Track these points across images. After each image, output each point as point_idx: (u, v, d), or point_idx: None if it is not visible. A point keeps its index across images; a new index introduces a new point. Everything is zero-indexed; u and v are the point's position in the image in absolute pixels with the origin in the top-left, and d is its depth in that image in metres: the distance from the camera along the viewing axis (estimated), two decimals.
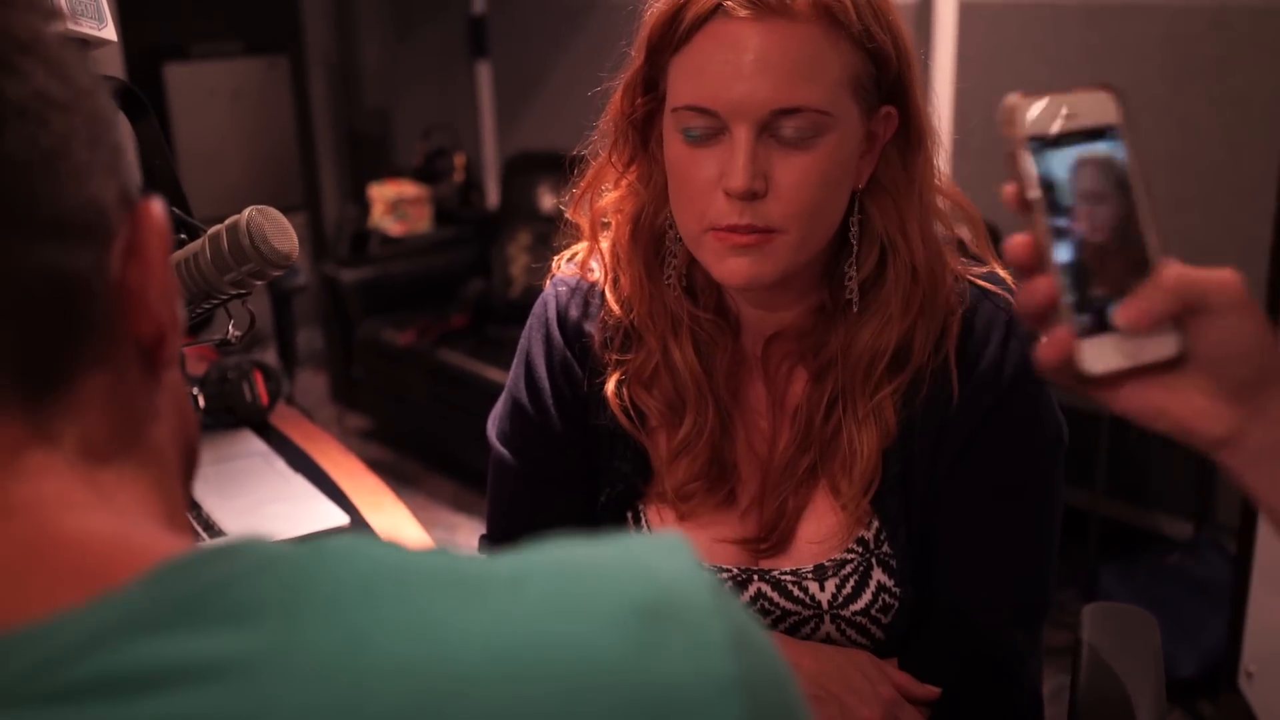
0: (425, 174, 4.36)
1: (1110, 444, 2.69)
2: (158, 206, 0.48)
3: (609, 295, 1.12)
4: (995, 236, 3.32)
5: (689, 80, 0.98)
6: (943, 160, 3.29)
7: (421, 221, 4.20)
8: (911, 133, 1.03)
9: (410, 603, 0.40)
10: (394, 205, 4.15)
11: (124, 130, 0.50)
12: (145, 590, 0.39)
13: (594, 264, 1.15)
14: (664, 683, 0.41)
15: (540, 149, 3.99)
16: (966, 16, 3.11)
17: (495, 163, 4.49)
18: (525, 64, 4.26)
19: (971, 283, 1.08)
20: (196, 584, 0.39)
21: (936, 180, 1.06)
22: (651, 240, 1.10)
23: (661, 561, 0.46)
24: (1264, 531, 2.06)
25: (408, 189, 4.22)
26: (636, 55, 1.03)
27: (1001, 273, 1.10)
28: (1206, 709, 2.49)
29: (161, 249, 0.47)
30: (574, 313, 1.14)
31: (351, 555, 0.42)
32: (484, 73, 4.46)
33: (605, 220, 1.13)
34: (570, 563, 0.44)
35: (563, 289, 1.16)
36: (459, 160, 4.36)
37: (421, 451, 3.88)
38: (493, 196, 4.44)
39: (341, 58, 4.93)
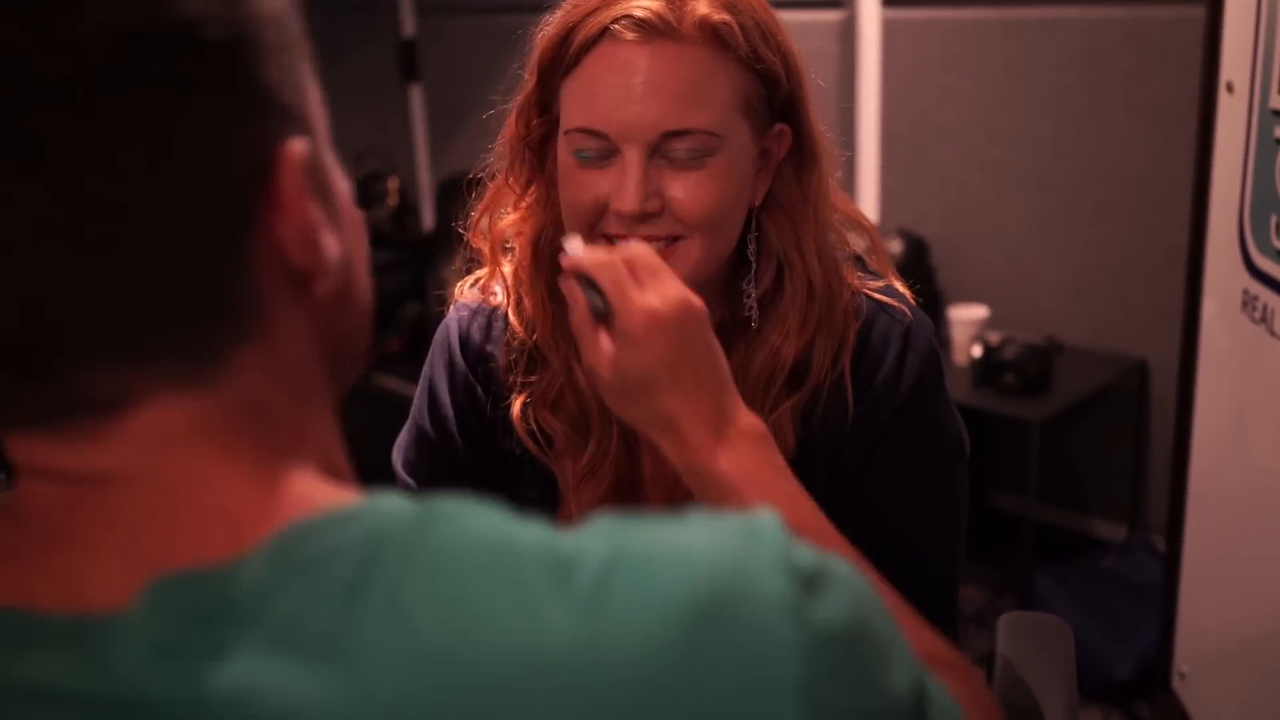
0: (359, 198, 4.29)
1: (1041, 449, 2.71)
2: (295, 147, 0.49)
3: (512, 318, 1.11)
4: (924, 250, 3.37)
5: (579, 103, 0.98)
6: (869, 174, 3.30)
7: None
8: (805, 150, 1.04)
9: (510, 582, 0.45)
10: None
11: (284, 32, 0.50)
12: (273, 550, 0.45)
13: (496, 287, 1.14)
14: (711, 689, 0.44)
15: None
16: (890, 32, 3.14)
17: (430, 186, 4.47)
18: (457, 86, 4.25)
19: (868, 297, 1.08)
20: (316, 549, 0.45)
21: (832, 197, 1.06)
22: (552, 261, 1.09)
23: (734, 554, 0.48)
24: (1192, 531, 2.08)
25: None
26: (529, 78, 1.03)
27: (899, 287, 1.10)
28: (1144, 711, 2.51)
29: (296, 191, 0.49)
30: (476, 337, 1.13)
31: (459, 525, 0.47)
32: (416, 96, 4.44)
33: (508, 244, 1.12)
34: (640, 556, 0.47)
35: (465, 313, 1.15)
36: (393, 184, 4.33)
37: (359, 477, 3.83)
38: (428, 220, 4.42)
39: None
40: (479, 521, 0.47)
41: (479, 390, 1.13)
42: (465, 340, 1.14)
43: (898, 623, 0.59)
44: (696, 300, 0.86)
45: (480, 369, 1.13)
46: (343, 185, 0.55)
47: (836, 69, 3.18)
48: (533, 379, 1.10)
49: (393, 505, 0.48)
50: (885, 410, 1.04)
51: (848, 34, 3.17)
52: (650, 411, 0.86)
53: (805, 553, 0.51)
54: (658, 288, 0.85)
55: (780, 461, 0.88)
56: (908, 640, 0.55)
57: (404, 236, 4.27)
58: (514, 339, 1.11)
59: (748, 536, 0.50)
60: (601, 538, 0.48)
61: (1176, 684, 2.15)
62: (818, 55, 3.41)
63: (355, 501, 0.48)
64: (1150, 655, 2.40)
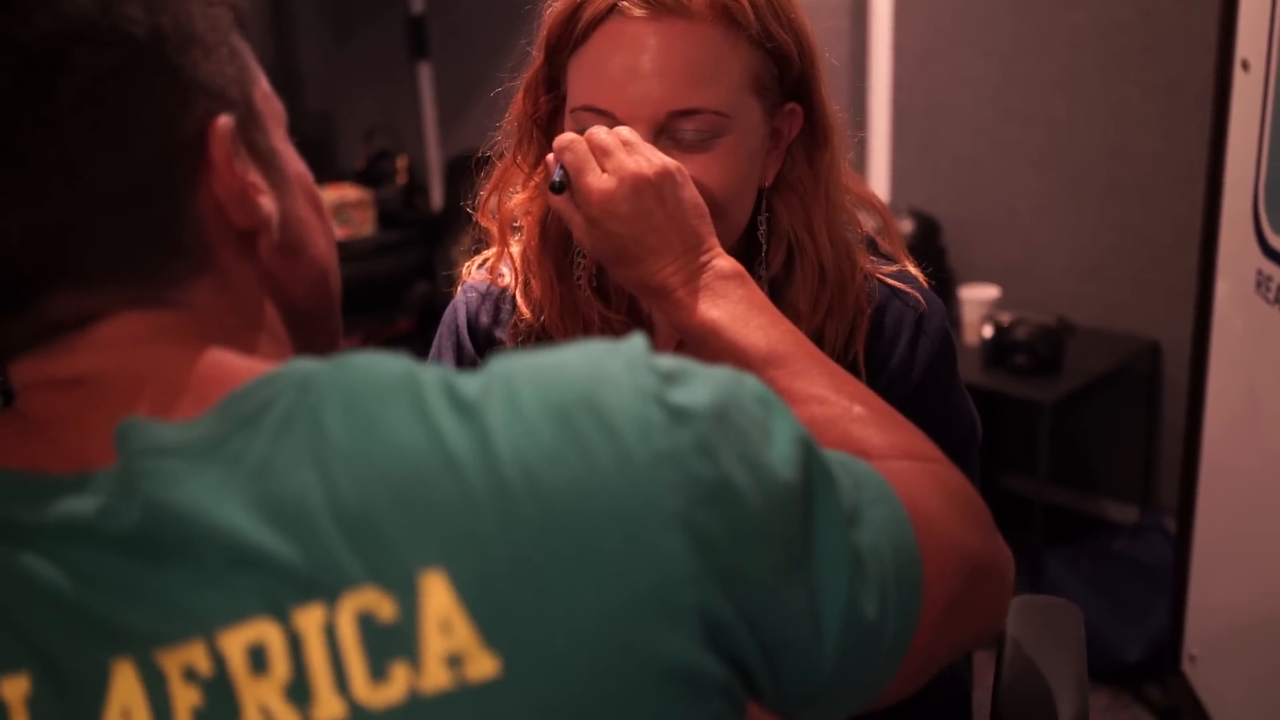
0: (368, 177, 4.32)
1: (1052, 430, 2.70)
2: (221, 121, 0.57)
3: (520, 300, 1.10)
4: (935, 229, 3.35)
5: (586, 81, 0.97)
6: (880, 152, 3.27)
7: (365, 225, 4.16)
8: (817, 131, 1.02)
9: (412, 402, 0.53)
10: (337, 209, 4.11)
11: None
12: (220, 409, 0.54)
13: (504, 269, 1.13)
14: (585, 469, 0.52)
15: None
16: (901, 9, 3.12)
17: (439, 164, 4.46)
18: (467, 64, 4.24)
19: (881, 281, 1.07)
20: (253, 403, 0.53)
21: (844, 178, 1.05)
22: (560, 241, 1.08)
23: (596, 361, 0.56)
24: (1203, 513, 2.07)
25: (350, 192, 4.18)
26: (537, 54, 1.02)
27: (913, 270, 1.09)
28: (1154, 693, 2.50)
29: (224, 157, 0.57)
30: (484, 319, 1.12)
31: (369, 365, 0.55)
32: (425, 74, 4.43)
33: (516, 224, 1.11)
34: (523, 377, 0.54)
35: (472, 295, 1.14)
36: (401, 162, 4.32)
37: None
38: (437, 198, 4.41)
39: (280, 61, 4.87)
40: (386, 362, 0.55)
41: None
42: (473, 323, 1.13)
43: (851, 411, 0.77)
44: (652, 167, 0.88)
45: (488, 352, 1.12)
46: (293, 160, 0.65)
47: (848, 46, 3.16)
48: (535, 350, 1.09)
49: (310, 361, 0.56)
50: (897, 396, 1.03)
51: (859, 11, 3.15)
52: (631, 281, 0.92)
53: (667, 359, 0.58)
54: (615, 165, 0.89)
55: (755, 295, 0.90)
56: (801, 427, 0.61)
57: (413, 215, 4.26)
58: (521, 321, 1.10)
59: (610, 349, 0.57)
60: (487, 368, 0.56)
61: (1186, 666, 2.14)
62: (829, 32, 3.39)
63: (281, 364, 0.56)
64: (1161, 637, 2.39)
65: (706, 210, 0.91)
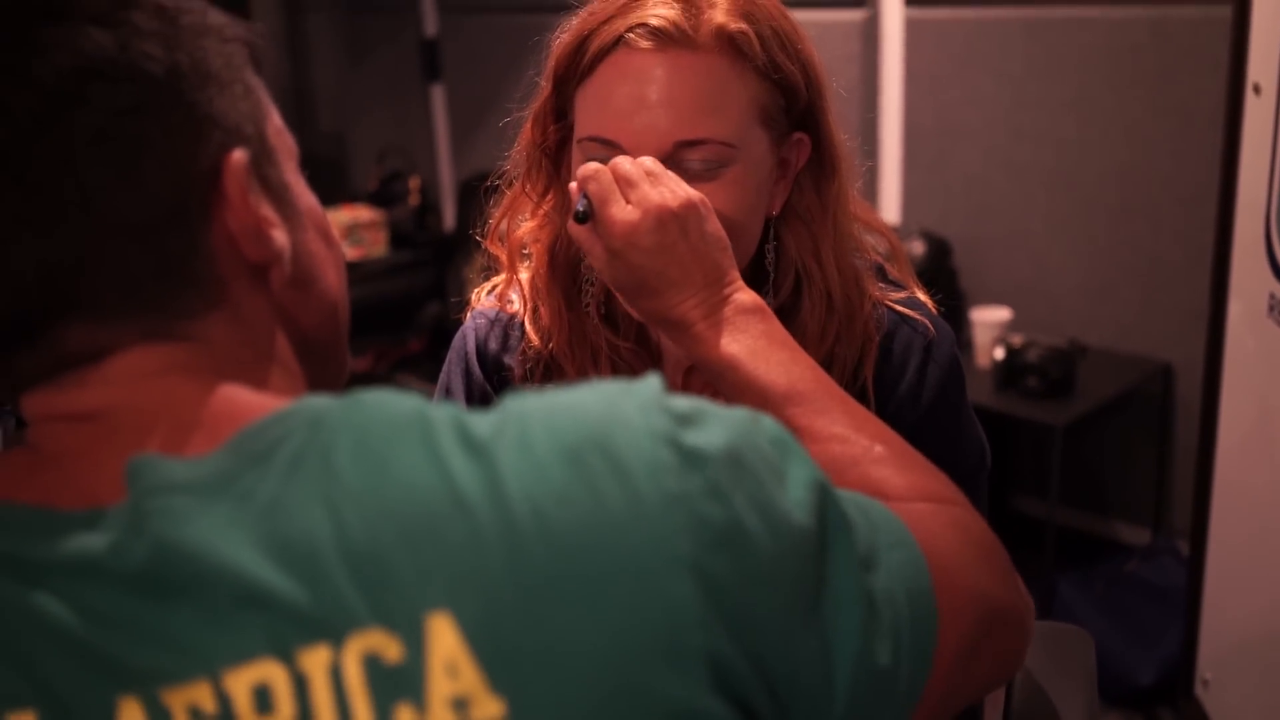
0: (381, 198, 4.34)
1: (1064, 452, 2.69)
2: (235, 156, 0.58)
3: (529, 327, 1.10)
4: (946, 251, 3.33)
5: (593, 111, 0.98)
6: (892, 174, 3.27)
7: (377, 246, 4.18)
8: (824, 160, 1.03)
9: (423, 441, 0.53)
10: (349, 230, 4.13)
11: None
12: (231, 446, 0.54)
13: (513, 295, 1.13)
14: (597, 508, 0.51)
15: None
16: (913, 32, 3.12)
17: (451, 185, 4.47)
18: (479, 86, 4.25)
19: (890, 308, 1.07)
20: (265, 441, 0.53)
21: (852, 206, 1.05)
22: (568, 269, 1.08)
23: (610, 401, 0.56)
24: (1216, 535, 2.06)
25: (363, 213, 4.20)
26: (545, 85, 1.03)
27: (922, 297, 1.09)
28: (1167, 717, 2.49)
29: (238, 191, 0.58)
30: (493, 345, 1.13)
31: (381, 403, 0.55)
32: (438, 95, 4.44)
33: (525, 251, 1.12)
34: (536, 418, 0.55)
35: (481, 321, 1.14)
36: (414, 183, 4.34)
37: None
38: (449, 219, 4.43)
39: (294, 82, 4.90)
40: (398, 401, 0.55)
41: (495, 400, 1.12)
42: (482, 350, 1.13)
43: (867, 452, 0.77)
44: (676, 199, 0.88)
45: (496, 379, 1.12)
46: (304, 194, 0.65)
47: (859, 69, 3.16)
48: (549, 389, 1.09)
49: (323, 399, 0.56)
50: (906, 423, 1.03)
51: (870, 34, 3.16)
52: (648, 312, 0.92)
53: (682, 400, 0.57)
54: (640, 197, 0.88)
55: (775, 330, 0.90)
56: (818, 470, 0.60)
57: (425, 236, 4.28)
58: (530, 348, 1.10)
59: (624, 390, 0.57)
60: (501, 407, 0.56)
61: (1200, 690, 2.13)
62: (840, 55, 3.40)
63: (293, 401, 0.56)
64: (1174, 661, 2.38)
65: (729, 243, 0.91)
